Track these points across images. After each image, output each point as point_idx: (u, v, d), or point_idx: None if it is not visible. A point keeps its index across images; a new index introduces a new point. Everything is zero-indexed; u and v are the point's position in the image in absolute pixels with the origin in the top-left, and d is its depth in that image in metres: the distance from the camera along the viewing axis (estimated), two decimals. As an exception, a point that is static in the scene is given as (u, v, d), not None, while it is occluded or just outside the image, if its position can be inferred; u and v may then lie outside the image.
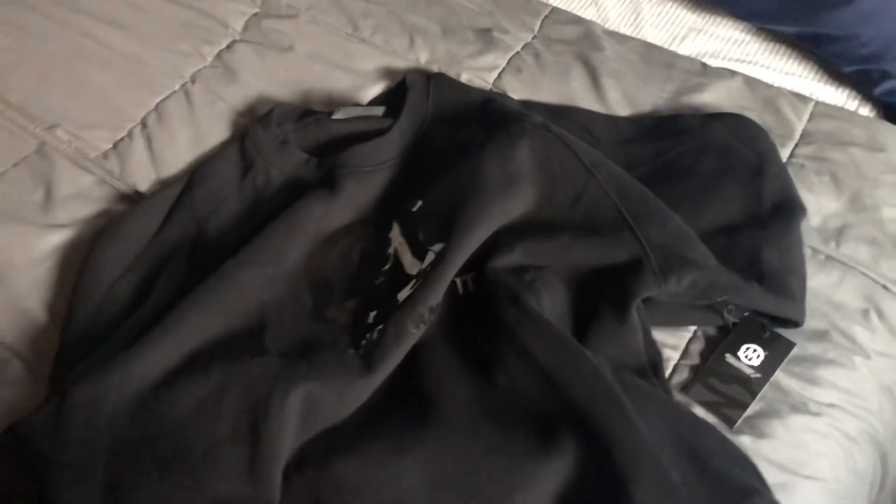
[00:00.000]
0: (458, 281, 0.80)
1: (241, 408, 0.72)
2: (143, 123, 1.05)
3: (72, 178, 1.01)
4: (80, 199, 0.99)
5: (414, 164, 0.91)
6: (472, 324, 0.78)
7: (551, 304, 0.76)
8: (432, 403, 0.70)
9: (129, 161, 1.01)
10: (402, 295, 0.77)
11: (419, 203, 0.85)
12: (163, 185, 0.98)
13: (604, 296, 0.74)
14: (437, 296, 0.77)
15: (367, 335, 0.76)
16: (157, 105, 1.07)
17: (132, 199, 0.99)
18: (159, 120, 1.05)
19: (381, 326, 0.76)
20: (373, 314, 0.78)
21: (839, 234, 0.86)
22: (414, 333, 0.76)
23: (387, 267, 0.84)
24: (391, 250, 0.84)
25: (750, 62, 1.07)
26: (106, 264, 0.88)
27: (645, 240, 0.75)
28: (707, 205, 0.83)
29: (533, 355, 0.70)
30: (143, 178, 1.00)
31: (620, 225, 0.77)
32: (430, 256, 0.79)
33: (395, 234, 0.85)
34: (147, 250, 0.89)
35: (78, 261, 0.91)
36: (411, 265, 0.82)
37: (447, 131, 0.92)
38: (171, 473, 0.68)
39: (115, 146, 1.03)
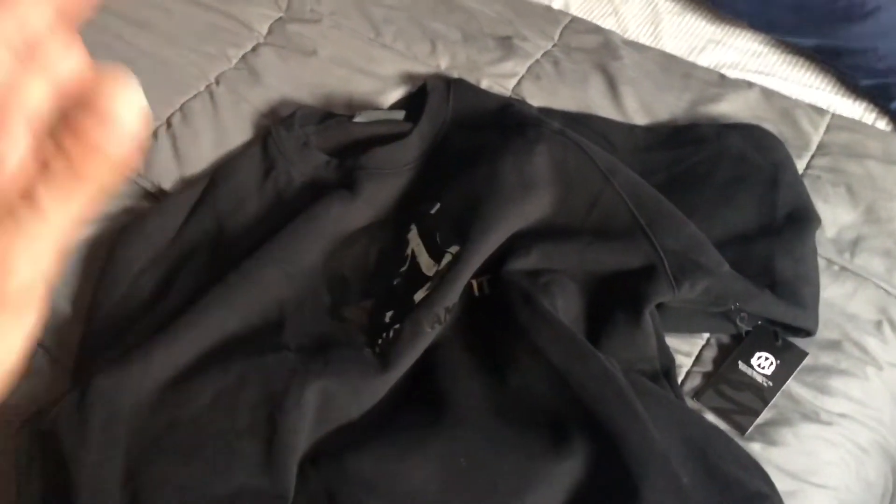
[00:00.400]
0: (475, 283, 0.82)
1: (258, 401, 0.74)
2: (168, 123, 1.07)
3: (97, 175, 1.03)
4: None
5: (433, 168, 0.92)
6: (487, 325, 0.79)
7: (565, 306, 0.77)
8: (446, 402, 0.72)
9: (153, 159, 1.03)
10: (419, 296, 0.79)
11: (437, 205, 0.87)
12: (186, 183, 1.00)
13: (618, 300, 0.76)
14: (453, 297, 0.78)
15: (384, 334, 0.78)
16: (182, 105, 1.09)
17: (156, 197, 1.01)
18: (184, 120, 1.07)
19: (397, 326, 0.77)
20: (389, 314, 0.79)
21: (854, 245, 0.87)
22: (429, 333, 0.77)
23: (404, 268, 0.85)
24: (408, 251, 0.86)
25: (768, 74, 1.08)
26: (130, 259, 0.90)
27: (659, 245, 0.76)
28: (721, 213, 0.84)
29: (545, 355, 0.71)
30: (167, 176, 1.02)
31: (635, 230, 0.78)
32: (446, 258, 0.81)
33: (413, 236, 0.87)
34: (170, 247, 0.91)
35: (102, 255, 0.93)
36: (428, 266, 0.83)
37: (466, 135, 0.93)
38: (190, 464, 0.70)
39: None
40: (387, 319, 0.79)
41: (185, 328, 0.78)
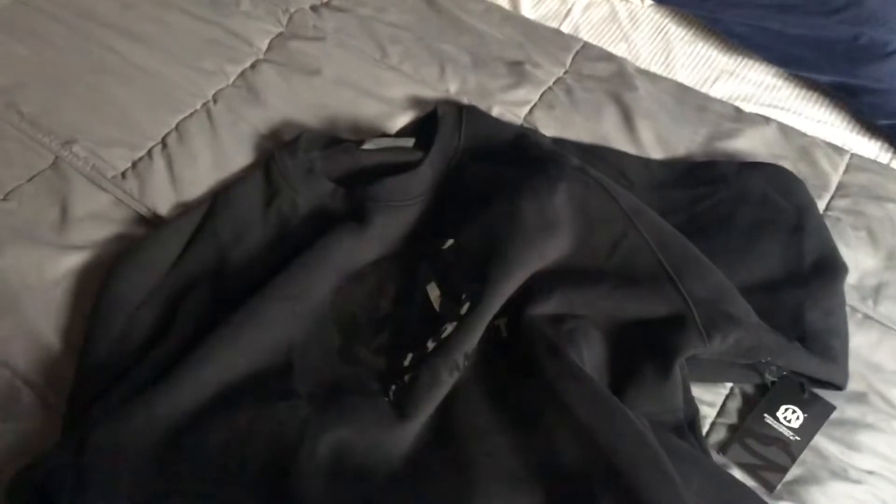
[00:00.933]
0: (495, 325, 0.78)
1: (268, 453, 0.70)
2: (164, 143, 1.02)
3: (88, 198, 0.98)
4: (97, 219, 0.96)
5: (445, 200, 0.89)
6: (508, 372, 0.76)
7: (590, 356, 0.74)
8: (473, 466, 0.68)
9: (148, 182, 0.99)
10: (434, 340, 0.75)
11: (450, 242, 0.84)
12: (184, 208, 0.96)
13: (645, 351, 0.73)
14: (472, 342, 0.75)
15: (398, 381, 0.74)
16: (178, 124, 1.04)
17: (151, 223, 0.96)
18: (180, 140, 1.02)
19: (412, 374, 0.74)
20: (405, 358, 0.76)
21: (876, 292, 0.85)
22: (448, 381, 0.74)
23: (416, 307, 0.82)
24: (421, 290, 0.82)
25: (782, 108, 1.06)
26: (125, 292, 0.85)
27: (687, 294, 0.73)
28: (746, 258, 0.82)
29: (573, 412, 0.68)
30: (162, 200, 0.97)
31: (661, 277, 0.75)
32: (465, 300, 0.77)
33: (426, 274, 0.83)
34: (168, 278, 0.86)
35: (94, 285, 0.88)
36: (443, 307, 0.80)
37: (480, 168, 0.90)
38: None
39: (133, 166, 1.00)
40: (405, 363, 0.76)
41: (189, 373, 0.74)
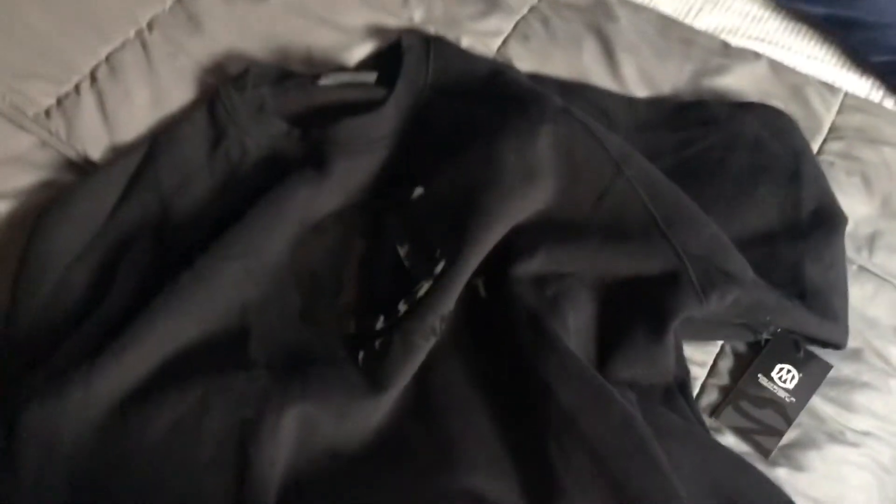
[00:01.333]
0: (472, 284, 0.71)
1: (225, 429, 0.63)
2: (93, 77, 0.90)
3: (7, 139, 0.87)
4: (19, 164, 0.85)
5: (412, 144, 0.80)
6: (486, 338, 0.69)
7: (576, 319, 0.68)
8: (451, 442, 0.62)
9: (76, 121, 0.87)
10: (406, 301, 0.69)
11: (419, 191, 0.76)
12: (118, 152, 0.85)
13: (636, 311, 0.67)
14: (448, 304, 0.68)
15: (367, 346, 0.67)
16: (109, 56, 0.92)
17: (82, 168, 0.85)
18: (111, 73, 0.91)
19: (383, 339, 0.67)
20: (375, 321, 0.69)
21: (871, 241, 0.80)
22: (423, 347, 0.67)
23: (384, 265, 0.74)
24: (389, 246, 0.75)
25: (769, 42, 0.99)
26: (55, 248, 0.75)
27: (682, 249, 0.67)
28: (740, 208, 0.76)
29: (554, 394, 0.62)
30: (93, 142, 0.86)
31: (652, 230, 0.69)
32: (439, 257, 0.70)
33: (394, 227, 0.76)
34: (103, 232, 0.77)
35: (18, 240, 0.78)
36: (414, 265, 0.72)
37: (451, 107, 0.81)
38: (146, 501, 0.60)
39: (59, 102, 0.89)
40: (377, 327, 0.69)
41: (132, 342, 0.65)
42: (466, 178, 0.72)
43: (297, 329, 0.71)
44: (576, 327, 0.68)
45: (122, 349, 0.65)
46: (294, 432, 0.63)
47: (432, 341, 0.67)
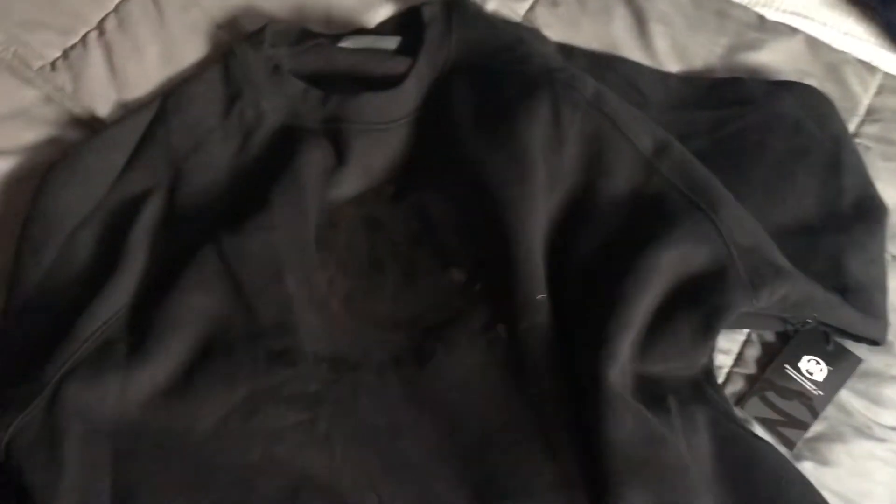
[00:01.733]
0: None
1: (273, 431, 0.62)
2: (101, 29, 0.87)
3: (11, 92, 0.83)
4: (23, 119, 0.82)
5: (434, 123, 0.76)
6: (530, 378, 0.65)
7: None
8: (498, 469, 0.60)
9: (83, 76, 0.84)
10: (443, 312, 0.67)
11: (446, 177, 0.73)
12: (127, 110, 0.82)
13: (683, 306, 0.63)
14: (486, 315, 0.67)
15: (408, 350, 0.66)
16: (118, 6, 0.88)
17: (88, 125, 0.82)
18: (120, 26, 0.87)
19: (423, 346, 0.66)
20: (408, 328, 0.67)
21: (905, 231, 0.78)
22: (468, 354, 0.65)
23: (414, 254, 0.71)
24: (416, 235, 0.72)
25: (804, 16, 0.95)
26: (60, 210, 0.73)
27: (729, 239, 0.63)
28: (778, 196, 0.72)
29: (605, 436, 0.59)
30: (101, 98, 0.83)
31: (697, 215, 0.65)
32: (466, 261, 0.70)
33: (415, 223, 0.73)
34: (112, 194, 0.74)
35: (22, 198, 0.75)
36: (446, 263, 0.70)
37: (474, 84, 0.75)
38: (195, 495, 0.58)
39: (65, 55, 0.85)
40: (412, 333, 0.67)
41: (170, 320, 0.64)
42: (491, 175, 0.69)
43: (330, 318, 0.69)
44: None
45: (160, 330, 0.63)
46: (342, 440, 0.62)
47: (474, 355, 0.66)
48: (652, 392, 0.63)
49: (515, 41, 0.80)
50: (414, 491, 0.59)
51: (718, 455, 0.61)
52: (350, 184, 0.73)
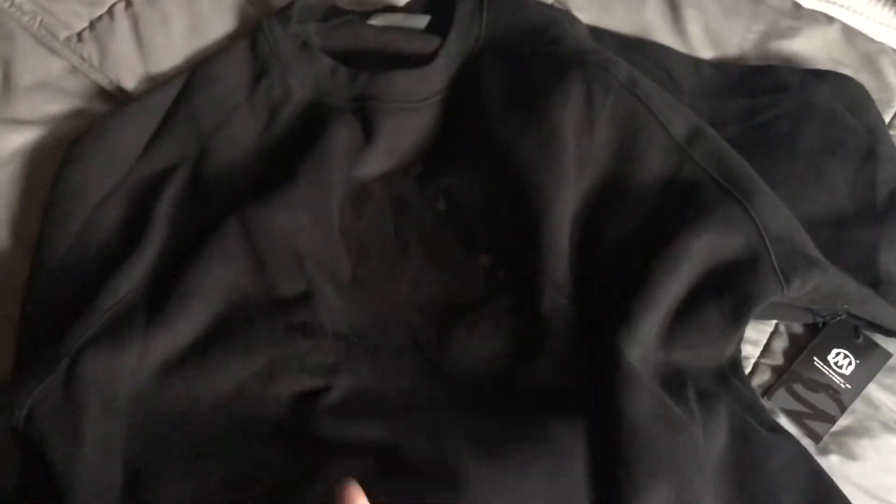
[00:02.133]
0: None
1: (289, 401, 0.62)
2: (128, 0, 0.86)
3: (36, 63, 0.82)
4: (48, 90, 0.81)
5: (463, 103, 0.75)
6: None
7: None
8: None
9: (109, 47, 0.83)
10: (471, 287, 0.67)
11: (473, 158, 0.72)
12: (154, 83, 0.81)
13: (712, 293, 0.62)
14: (510, 299, 0.66)
15: (429, 333, 0.65)
16: (145, -23, 0.87)
17: (114, 97, 0.82)
18: (148, -2, 0.86)
19: (444, 329, 0.65)
20: (432, 308, 0.67)
21: (937, 226, 0.77)
22: (490, 339, 0.65)
23: (439, 236, 0.71)
24: (441, 217, 0.71)
25: (840, 5, 0.94)
26: (86, 181, 0.72)
27: (762, 226, 0.62)
28: (811, 186, 0.71)
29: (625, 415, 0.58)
30: (128, 70, 0.82)
31: (730, 203, 0.63)
32: (493, 247, 0.69)
33: (445, 195, 0.72)
34: (137, 168, 0.73)
35: (47, 169, 0.75)
36: (471, 247, 0.70)
37: (505, 65, 0.74)
38: (208, 462, 0.58)
39: (91, 26, 0.84)
40: (435, 313, 0.67)
41: (190, 291, 0.63)
42: (521, 157, 0.68)
43: (353, 300, 0.68)
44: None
45: (180, 299, 0.63)
46: (357, 405, 0.61)
47: (496, 339, 0.65)
48: (674, 380, 0.62)
49: (548, 23, 0.79)
50: (426, 457, 0.58)
51: (729, 449, 0.61)
52: (377, 162, 0.73)
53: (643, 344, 0.60)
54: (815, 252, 0.63)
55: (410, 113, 0.74)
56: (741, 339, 0.66)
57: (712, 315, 0.62)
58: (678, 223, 0.63)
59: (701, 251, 0.62)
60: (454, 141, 0.74)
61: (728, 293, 0.61)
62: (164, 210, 0.70)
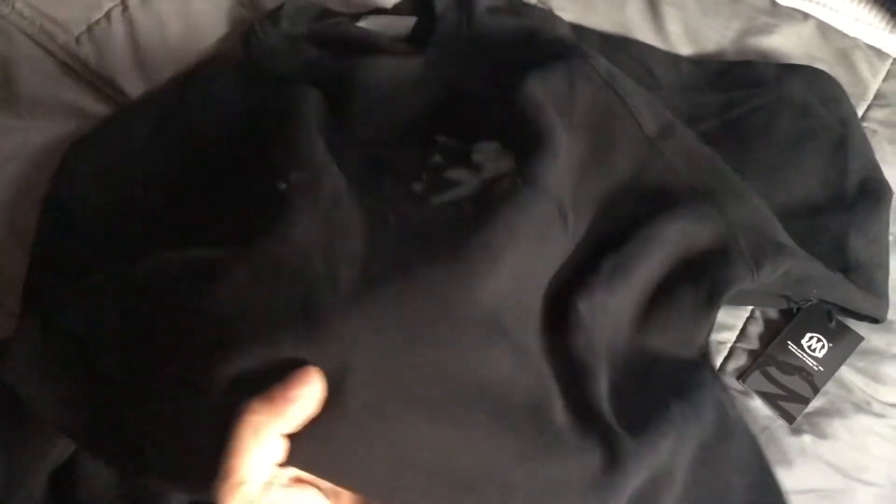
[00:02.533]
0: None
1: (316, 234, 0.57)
2: (124, 4, 0.88)
3: (36, 65, 0.85)
4: (47, 91, 0.84)
5: (445, 92, 0.76)
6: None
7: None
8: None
9: (107, 50, 0.85)
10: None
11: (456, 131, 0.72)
12: (150, 85, 0.84)
13: (684, 280, 0.65)
14: None
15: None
16: (141, -19, 0.90)
17: (112, 98, 0.84)
18: (143, 2, 0.88)
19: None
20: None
21: (910, 214, 0.79)
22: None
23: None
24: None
25: (816, 2, 0.96)
26: (83, 178, 0.75)
27: (730, 218, 0.65)
28: (785, 176, 0.74)
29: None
30: (124, 73, 0.84)
31: (698, 199, 0.66)
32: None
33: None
34: (132, 166, 0.76)
35: (47, 169, 0.77)
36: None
37: (487, 61, 0.76)
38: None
39: (89, 30, 0.86)
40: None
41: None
42: (513, 125, 0.68)
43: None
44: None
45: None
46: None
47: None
48: (648, 367, 0.64)
49: (529, 34, 0.78)
50: None
51: (698, 438, 0.63)
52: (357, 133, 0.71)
53: (611, 317, 0.62)
54: (784, 239, 0.65)
55: (392, 92, 0.73)
56: (712, 327, 0.68)
57: (686, 299, 0.64)
58: (648, 216, 0.65)
59: (672, 238, 0.64)
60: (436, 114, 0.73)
61: (700, 279, 0.64)
62: (153, 194, 0.73)
